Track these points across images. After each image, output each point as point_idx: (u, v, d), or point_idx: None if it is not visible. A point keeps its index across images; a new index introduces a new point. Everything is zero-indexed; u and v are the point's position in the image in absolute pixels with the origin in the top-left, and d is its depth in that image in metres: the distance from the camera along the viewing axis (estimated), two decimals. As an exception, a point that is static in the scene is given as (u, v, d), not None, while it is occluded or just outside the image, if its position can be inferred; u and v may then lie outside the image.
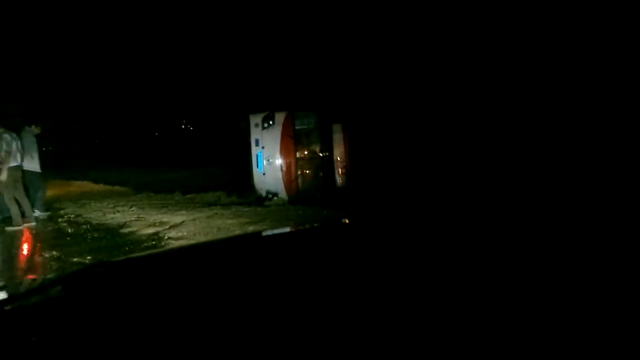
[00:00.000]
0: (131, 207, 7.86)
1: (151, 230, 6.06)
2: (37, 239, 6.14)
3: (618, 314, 0.73)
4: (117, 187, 11.17)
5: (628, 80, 7.72)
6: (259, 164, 10.06)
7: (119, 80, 17.31)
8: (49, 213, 7.66)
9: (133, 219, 6.88)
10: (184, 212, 7.22)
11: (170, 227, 6.13)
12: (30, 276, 4.54)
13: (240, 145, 10.47)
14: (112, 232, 6.14)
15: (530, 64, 8.75)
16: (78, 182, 10.49)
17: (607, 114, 7.90)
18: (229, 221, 6.23)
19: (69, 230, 6.40)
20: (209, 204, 8.23)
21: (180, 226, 6.17)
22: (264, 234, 2.21)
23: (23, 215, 6.69)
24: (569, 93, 8.27)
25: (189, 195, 9.45)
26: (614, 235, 1.07)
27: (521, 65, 8.81)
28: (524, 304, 0.78)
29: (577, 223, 1.19)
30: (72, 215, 7.48)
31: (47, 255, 5.15)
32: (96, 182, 11.41)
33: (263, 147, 10.04)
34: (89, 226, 6.57)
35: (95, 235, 6.05)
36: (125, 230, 6.17)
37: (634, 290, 0.79)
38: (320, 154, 10.22)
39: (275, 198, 9.82)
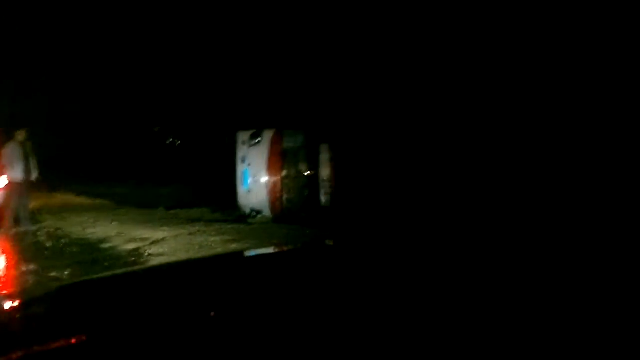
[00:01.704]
0: (112, 222, 7.74)
1: (131, 246, 5.97)
2: (14, 252, 5.99)
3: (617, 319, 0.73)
4: (98, 201, 11.00)
5: (628, 80, 7.77)
6: (244, 182, 10.02)
7: (103, 91, 17.13)
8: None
9: (113, 234, 6.77)
10: (166, 228, 7.14)
11: (151, 244, 6.05)
12: (4, 291, 4.42)
13: (225, 162, 10.43)
14: (91, 247, 6.03)
15: (522, 67, 8.81)
16: (60, 195, 10.32)
17: (607, 114, 7.92)
18: (212, 238, 6.18)
19: (48, 244, 6.27)
20: (192, 220, 8.15)
21: (162, 242, 6.09)
22: (245, 254, 2.23)
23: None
24: (568, 93, 8.29)
25: (172, 211, 9.35)
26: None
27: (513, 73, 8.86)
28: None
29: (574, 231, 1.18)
30: (52, 229, 7.34)
31: (24, 269, 5.02)
32: (79, 195, 11.23)
33: (249, 165, 10.03)
34: (68, 240, 6.45)
35: (75, 249, 5.94)
36: (105, 246, 6.07)
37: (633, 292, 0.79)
38: (306, 174, 10.23)
39: (260, 216, 9.78)
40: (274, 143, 10.04)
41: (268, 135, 10.06)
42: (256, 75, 11.48)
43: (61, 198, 10.35)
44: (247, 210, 9.85)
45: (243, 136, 10.11)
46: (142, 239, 6.34)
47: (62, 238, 6.62)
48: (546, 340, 0.70)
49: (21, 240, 6.59)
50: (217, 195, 10.96)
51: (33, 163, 8.59)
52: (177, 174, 14.68)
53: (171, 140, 21.03)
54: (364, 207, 9.45)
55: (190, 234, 6.57)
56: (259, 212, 9.83)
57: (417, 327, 0.82)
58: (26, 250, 6.05)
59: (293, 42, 10.77)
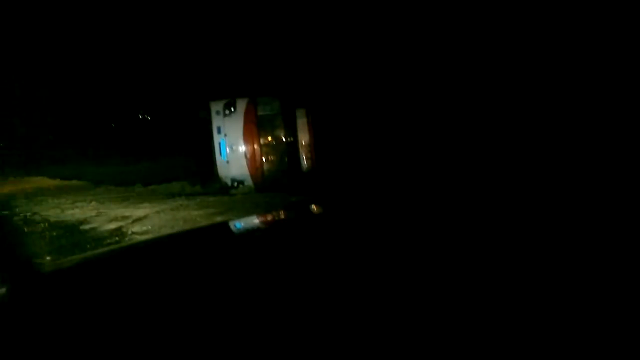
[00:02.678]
0: (91, 202, 7.59)
1: (113, 226, 5.87)
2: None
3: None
4: (74, 182, 10.73)
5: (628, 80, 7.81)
6: (222, 152, 9.88)
7: (71, 69, 16.45)
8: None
9: (93, 214, 6.65)
10: (146, 204, 7.04)
11: (133, 222, 5.96)
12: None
13: (201, 134, 10.24)
14: (71, 230, 5.91)
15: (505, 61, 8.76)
16: (33, 179, 10.01)
17: (608, 114, 7.91)
18: (195, 212, 6.12)
19: (25, 229, 6.12)
20: (173, 195, 8.05)
21: (144, 220, 6.01)
22: (230, 223, 2.14)
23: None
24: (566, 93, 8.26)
25: (151, 187, 9.21)
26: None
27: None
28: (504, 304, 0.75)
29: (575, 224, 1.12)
30: (29, 214, 7.15)
31: (1, 257, 4.90)
32: (52, 177, 10.92)
33: (225, 135, 9.87)
34: (46, 224, 6.30)
35: (54, 233, 5.81)
36: (86, 227, 5.96)
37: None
38: (285, 140, 10.14)
39: (241, 186, 9.72)
40: (249, 111, 9.88)
41: (242, 104, 9.87)
42: (226, 43, 11.12)
43: (35, 181, 10.06)
44: (229, 182, 9.76)
45: (216, 106, 9.91)
46: (124, 217, 6.25)
47: (39, 222, 6.47)
48: (545, 338, 0.68)
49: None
50: (195, 169, 10.82)
51: None
52: (152, 150, 14.39)
53: (142, 115, 20.50)
54: (345, 170, 9.46)
55: (172, 209, 6.49)
56: (240, 182, 9.76)
57: (409, 298, 0.80)
58: (2, 237, 5.90)
59: (263, 4, 10.41)
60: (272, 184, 9.65)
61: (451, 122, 9.48)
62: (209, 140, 10.07)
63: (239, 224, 1.76)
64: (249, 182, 9.75)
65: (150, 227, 5.60)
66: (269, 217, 1.81)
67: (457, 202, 1.46)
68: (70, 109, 17.50)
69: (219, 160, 9.87)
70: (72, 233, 5.76)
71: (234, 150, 9.83)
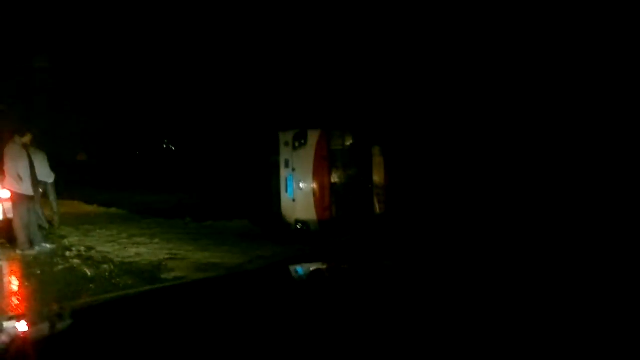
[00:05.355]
0: (153, 239, 6.40)
1: (203, 277, 4.66)
2: (44, 284, 4.59)
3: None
4: (113, 209, 9.55)
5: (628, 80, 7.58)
6: (288, 189, 8.79)
7: (99, 94, 15.66)
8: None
9: (166, 256, 5.46)
10: (225, 247, 5.89)
11: (228, 271, 4.77)
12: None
13: (264, 166, 9.20)
14: (150, 278, 4.69)
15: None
16: (67, 202, 8.82)
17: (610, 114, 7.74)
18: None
19: (87, 272, 4.89)
20: (241, 235, 6.94)
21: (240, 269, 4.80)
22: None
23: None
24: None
25: (207, 223, 8.05)
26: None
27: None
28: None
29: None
30: (82, 248, 5.93)
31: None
32: (88, 203, 9.72)
33: (294, 170, 8.81)
34: (111, 266, 5.08)
35: (129, 281, 4.59)
36: (169, 276, 4.74)
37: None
38: (358, 179, 9.07)
39: (305, 229, 8.59)
40: (321, 145, 8.85)
41: (314, 136, 8.84)
42: (296, 70, 10.20)
43: (71, 206, 8.86)
44: (292, 222, 8.63)
45: (285, 137, 8.88)
46: (211, 265, 5.05)
47: (101, 262, 5.25)
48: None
49: (48, 266, 5.16)
50: (246, 203, 9.68)
51: (45, 169, 7.24)
52: (181, 180, 13.41)
53: (166, 145, 19.88)
54: (420, 217, 8.44)
55: (260, 256, 5.32)
56: (304, 223, 8.61)
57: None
58: (60, 281, 4.67)
59: (339, 31, 9.58)
60: (340, 227, 8.53)
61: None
62: (272, 174, 9.03)
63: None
64: (314, 226, 8.61)
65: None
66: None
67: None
68: (98, 135, 16.74)
69: (285, 197, 8.77)
70: (152, 282, 4.54)
71: (302, 188, 8.74)
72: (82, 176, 12.95)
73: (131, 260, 5.34)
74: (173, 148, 19.88)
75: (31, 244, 5.75)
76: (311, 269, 1.73)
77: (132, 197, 11.28)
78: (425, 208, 8.84)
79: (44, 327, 1.11)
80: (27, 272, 4.90)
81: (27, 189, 5.78)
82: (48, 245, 5.90)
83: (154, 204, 10.38)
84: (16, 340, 0.99)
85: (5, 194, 5.74)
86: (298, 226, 8.64)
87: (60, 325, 1.12)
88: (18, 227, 5.64)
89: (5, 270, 5.07)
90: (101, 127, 16.12)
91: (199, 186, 12.26)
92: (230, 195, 10.37)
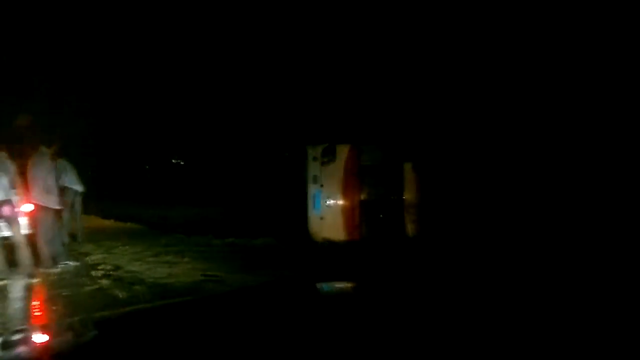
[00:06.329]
0: (181, 257, 5.96)
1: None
2: (76, 306, 4.13)
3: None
4: (130, 224, 9.14)
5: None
6: (316, 206, 8.37)
7: (107, 105, 15.36)
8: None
9: (201, 277, 5.01)
10: (258, 268, 5.45)
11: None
12: None
13: (291, 181, 8.80)
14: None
15: None
16: (84, 217, 8.43)
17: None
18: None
19: (119, 294, 4.43)
20: (267, 254, 6.50)
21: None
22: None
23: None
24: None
25: (228, 240, 7.62)
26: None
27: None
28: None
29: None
30: (108, 267, 5.49)
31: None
32: (104, 217, 9.32)
33: (322, 186, 8.39)
34: (143, 287, 4.63)
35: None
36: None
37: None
38: (388, 198, 8.63)
39: (331, 247, 8.15)
40: (350, 160, 8.45)
41: (343, 151, 8.45)
42: (325, 82, 9.83)
43: (88, 220, 8.45)
44: (319, 240, 8.19)
45: (314, 152, 8.49)
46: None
47: (131, 283, 4.80)
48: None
49: (74, 286, 4.69)
50: (269, 219, 9.23)
51: (74, 177, 6.89)
52: (195, 195, 13.03)
53: (176, 160, 19.60)
54: (456, 240, 7.96)
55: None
56: (331, 242, 8.16)
57: None
58: (89, 303, 4.21)
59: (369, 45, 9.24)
60: (369, 247, 8.07)
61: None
62: (298, 189, 8.63)
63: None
64: (342, 242, 8.16)
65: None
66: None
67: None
68: (108, 149, 16.44)
69: (312, 213, 8.34)
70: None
71: (330, 205, 8.31)
72: (94, 190, 12.65)
73: (165, 281, 4.89)
74: (182, 163, 19.54)
75: (54, 261, 5.35)
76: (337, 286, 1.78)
77: (145, 211, 10.88)
78: (462, 230, 8.36)
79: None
80: (53, 292, 4.45)
81: (54, 201, 5.40)
82: (71, 263, 5.48)
83: (171, 219, 9.97)
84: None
85: (29, 207, 5.35)
86: (325, 244, 8.20)
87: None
88: (42, 242, 5.24)
89: (30, 291, 4.62)
90: (109, 140, 15.81)
91: (217, 201, 11.85)
92: (250, 210, 9.94)
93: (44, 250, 5.21)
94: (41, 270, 5.09)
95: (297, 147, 8.62)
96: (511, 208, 8.36)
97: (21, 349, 1.11)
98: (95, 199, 11.68)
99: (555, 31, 8.46)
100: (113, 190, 14.61)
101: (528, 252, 5.87)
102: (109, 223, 9.03)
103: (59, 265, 5.32)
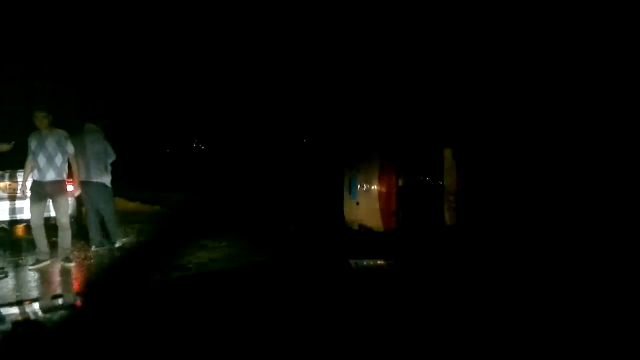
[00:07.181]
0: (219, 242, 5.88)
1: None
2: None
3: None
4: (157, 207, 9.15)
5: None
6: (352, 191, 8.14)
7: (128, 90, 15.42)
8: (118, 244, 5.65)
9: (244, 263, 4.91)
10: (300, 254, 5.30)
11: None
12: None
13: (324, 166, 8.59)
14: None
15: None
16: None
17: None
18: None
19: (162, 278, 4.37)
20: (300, 240, 6.35)
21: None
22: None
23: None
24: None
25: (261, 225, 7.50)
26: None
27: None
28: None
29: None
30: (146, 251, 5.47)
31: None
32: (130, 199, 9.36)
33: (358, 171, 8.15)
34: (187, 273, 4.55)
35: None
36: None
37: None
38: (427, 184, 8.31)
39: (367, 233, 7.95)
40: (388, 144, 8.16)
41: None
42: (362, 66, 9.50)
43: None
44: (355, 227, 7.99)
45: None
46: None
47: (174, 268, 4.72)
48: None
49: (110, 269, 4.68)
50: (296, 206, 9.07)
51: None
52: (215, 181, 12.95)
53: (196, 144, 19.52)
54: (498, 230, 7.60)
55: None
56: (367, 229, 7.94)
57: None
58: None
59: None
60: (405, 235, 7.80)
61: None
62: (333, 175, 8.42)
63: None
64: (379, 229, 7.92)
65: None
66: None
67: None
68: (131, 133, 16.51)
69: (348, 200, 8.13)
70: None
71: (367, 190, 8.07)
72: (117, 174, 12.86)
73: (208, 267, 4.80)
74: (202, 147, 19.48)
75: (102, 242, 5.41)
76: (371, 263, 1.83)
77: (169, 195, 10.90)
78: (504, 220, 7.98)
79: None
80: (89, 277, 4.44)
81: (110, 181, 5.45)
82: (117, 244, 5.49)
83: (197, 204, 9.97)
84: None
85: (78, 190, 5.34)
86: (361, 230, 8.00)
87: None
88: (111, 220, 5.35)
89: (85, 272, 4.62)
90: (131, 125, 15.94)
91: (241, 187, 11.77)
92: (276, 197, 9.82)
93: (112, 226, 5.31)
94: (93, 249, 5.18)
95: (334, 133, 8.39)
96: (556, 199, 7.92)
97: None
98: (120, 182, 11.85)
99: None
100: (134, 174, 14.74)
101: (576, 245, 5.54)
102: (135, 205, 9.09)
103: (111, 245, 5.41)
